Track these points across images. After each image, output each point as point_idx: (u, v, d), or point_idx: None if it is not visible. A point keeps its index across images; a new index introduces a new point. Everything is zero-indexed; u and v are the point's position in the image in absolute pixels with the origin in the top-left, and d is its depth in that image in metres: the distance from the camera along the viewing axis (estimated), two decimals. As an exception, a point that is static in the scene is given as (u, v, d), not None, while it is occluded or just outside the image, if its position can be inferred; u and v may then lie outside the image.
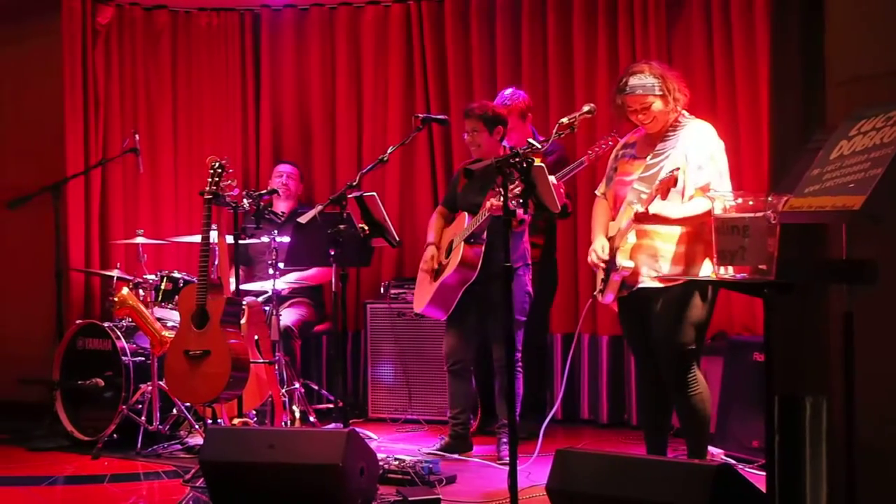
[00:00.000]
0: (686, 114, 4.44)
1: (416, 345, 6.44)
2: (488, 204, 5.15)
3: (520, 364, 5.40)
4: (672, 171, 4.15)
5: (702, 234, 4.21)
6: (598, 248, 4.46)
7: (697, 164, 4.26)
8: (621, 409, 6.42)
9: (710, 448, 4.65)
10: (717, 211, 3.34)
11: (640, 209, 4.21)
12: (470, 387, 5.64)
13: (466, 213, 5.41)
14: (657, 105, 4.36)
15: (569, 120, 4.62)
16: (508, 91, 6.02)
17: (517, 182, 4.56)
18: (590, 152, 5.24)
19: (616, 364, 6.42)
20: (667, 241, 4.31)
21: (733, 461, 4.92)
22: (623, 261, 4.33)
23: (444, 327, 5.67)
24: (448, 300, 5.43)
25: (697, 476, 3.48)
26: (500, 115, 5.47)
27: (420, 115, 5.77)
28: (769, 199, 3.22)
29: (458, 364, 5.54)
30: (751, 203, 3.24)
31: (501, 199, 4.99)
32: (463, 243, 5.33)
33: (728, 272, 3.28)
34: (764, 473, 3.71)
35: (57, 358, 6.08)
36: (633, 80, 4.37)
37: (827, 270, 3.32)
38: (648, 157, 4.39)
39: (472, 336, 5.56)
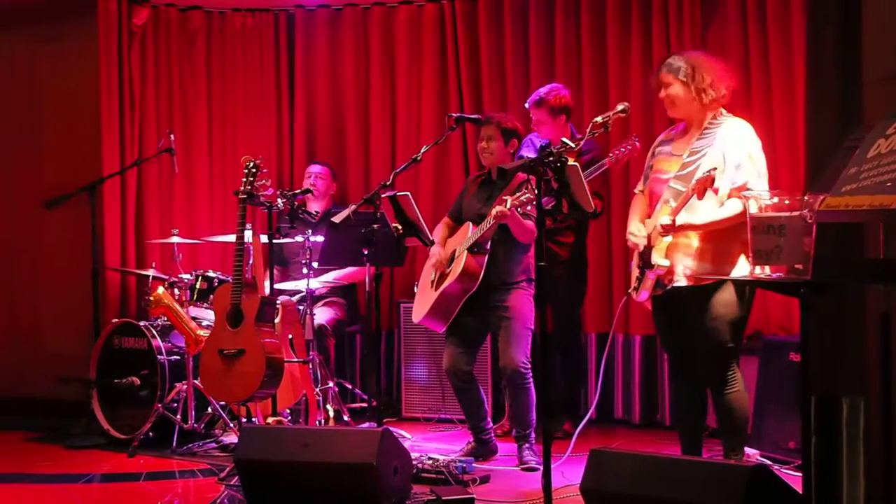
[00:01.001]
0: (724, 111, 4.42)
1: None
2: (494, 211, 5.08)
3: (530, 374, 5.27)
4: (709, 171, 4.12)
5: (738, 231, 4.16)
6: (634, 230, 4.44)
7: (736, 163, 4.22)
8: (654, 409, 6.40)
9: (745, 449, 4.62)
10: (753, 210, 3.31)
11: (668, 221, 4.20)
12: (479, 394, 5.51)
13: (471, 224, 5.36)
14: (675, 89, 4.37)
15: (602, 119, 4.59)
16: (548, 87, 5.97)
17: (526, 190, 4.58)
18: (611, 155, 5.22)
19: (649, 364, 6.40)
20: (702, 238, 4.27)
21: (769, 462, 4.90)
22: (659, 259, 4.30)
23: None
24: (448, 310, 5.37)
25: (733, 477, 3.45)
26: (518, 130, 5.45)
27: (454, 114, 5.75)
28: (805, 198, 3.18)
29: (462, 377, 5.42)
30: (787, 202, 3.20)
31: (509, 205, 5.00)
32: (466, 252, 5.28)
33: (764, 272, 3.25)
34: (800, 474, 3.70)
35: (93, 356, 6.13)
36: (668, 60, 4.45)
37: (864, 270, 3.30)
38: (685, 155, 4.36)
39: (473, 347, 5.50)
